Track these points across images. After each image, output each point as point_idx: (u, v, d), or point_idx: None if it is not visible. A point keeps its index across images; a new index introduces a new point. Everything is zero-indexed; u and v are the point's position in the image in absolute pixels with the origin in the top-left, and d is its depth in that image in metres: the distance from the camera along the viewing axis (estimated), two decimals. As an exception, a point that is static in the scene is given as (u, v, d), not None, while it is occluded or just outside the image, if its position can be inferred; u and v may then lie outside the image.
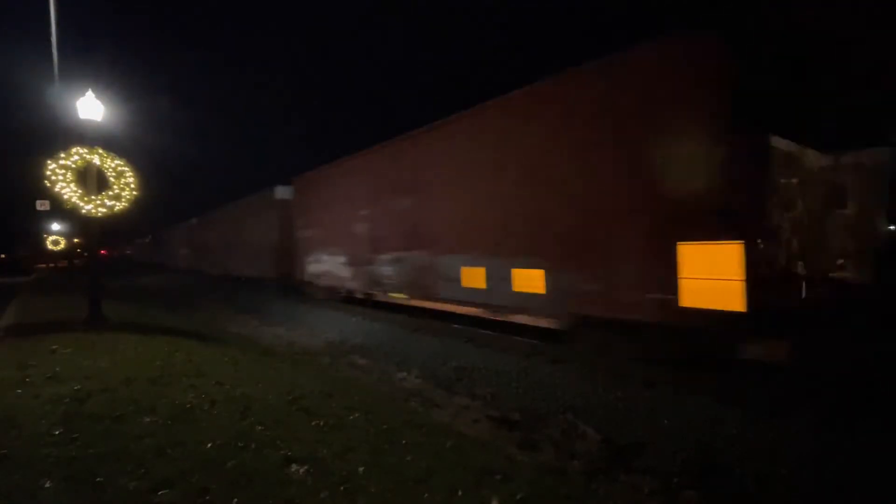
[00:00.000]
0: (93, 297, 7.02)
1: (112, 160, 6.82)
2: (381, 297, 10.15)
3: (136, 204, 7.08)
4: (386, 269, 9.33)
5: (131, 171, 6.95)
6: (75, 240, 26.09)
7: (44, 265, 31.08)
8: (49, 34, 9.40)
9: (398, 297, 9.41)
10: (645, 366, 5.21)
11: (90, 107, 6.68)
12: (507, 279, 6.58)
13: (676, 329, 4.75)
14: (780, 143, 4.90)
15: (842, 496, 2.95)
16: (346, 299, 11.46)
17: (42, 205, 17.56)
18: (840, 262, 5.34)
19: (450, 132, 7.66)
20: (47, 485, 2.36)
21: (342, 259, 10.94)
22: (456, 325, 8.11)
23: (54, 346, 5.25)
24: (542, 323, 6.43)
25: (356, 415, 3.71)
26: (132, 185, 6.95)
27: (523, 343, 6.72)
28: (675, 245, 4.64)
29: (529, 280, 6.27)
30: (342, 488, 2.50)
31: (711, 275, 4.37)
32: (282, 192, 14.31)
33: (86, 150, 6.64)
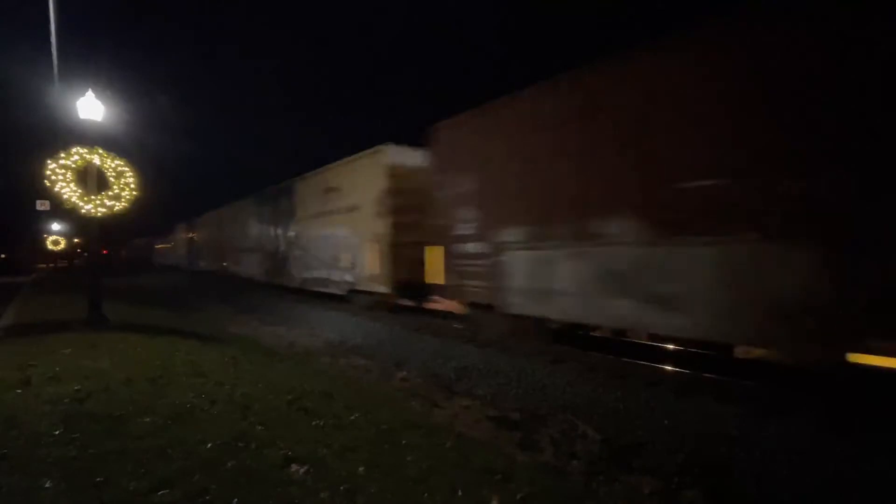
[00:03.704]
0: (93, 297, 7.02)
1: (112, 160, 6.83)
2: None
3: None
4: None
5: (131, 172, 6.96)
6: (75, 240, 26.11)
7: (44, 265, 31.11)
8: (49, 34, 9.41)
9: None
10: (645, 366, 5.21)
11: (90, 107, 6.68)
12: None
13: None
14: None
15: (841, 496, 2.95)
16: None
17: (42, 205, 17.61)
18: None
19: None
20: (47, 485, 2.36)
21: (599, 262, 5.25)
22: (456, 325, 8.11)
23: (54, 347, 5.25)
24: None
25: (356, 415, 3.71)
26: (132, 186, 6.96)
27: (523, 343, 6.71)
28: None
29: None
30: (342, 488, 2.50)
31: None
32: (396, 154, 9.24)
33: (86, 150, 6.65)
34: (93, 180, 6.78)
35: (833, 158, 3.69)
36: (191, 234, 29.05)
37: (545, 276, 5.87)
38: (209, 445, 2.88)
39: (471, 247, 6.90)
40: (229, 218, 20.10)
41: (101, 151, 6.75)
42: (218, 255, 21.69)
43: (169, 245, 37.84)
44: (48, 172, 6.42)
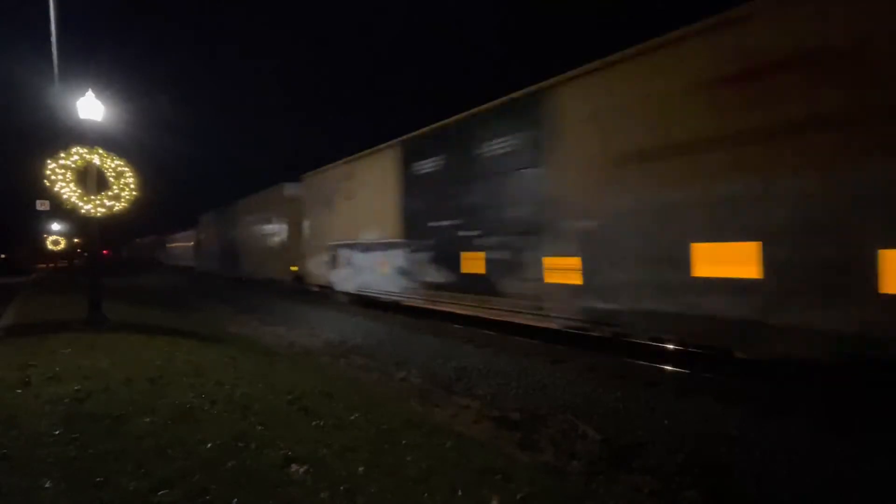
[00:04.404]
0: (93, 297, 7.02)
1: (112, 160, 6.83)
2: None
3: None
4: None
5: (131, 172, 6.96)
6: (75, 240, 26.09)
7: (44, 265, 31.10)
8: (49, 34, 9.40)
9: None
10: (644, 366, 5.21)
11: (90, 107, 6.67)
12: None
13: None
14: None
15: (841, 496, 2.95)
16: None
17: (42, 205, 17.61)
18: None
19: None
20: (47, 485, 2.36)
21: None
22: (456, 325, 8.11)
23: (54, 347, 5.25)
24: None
25: (356, 415, 3.71)
26: (132, 186, 6.95)
27: (523, 343, 6.72)
28: None
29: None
30: (342, 488, 2.50)
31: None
32: None
33: (86, 150, 6.64)
34: (92, 180, 6.78)
35: None
36: (225, 229, 20.49)
37: None
38: (209, 445, 2.88)
39: None
40: (329, 193, 11.26)
41: (101, 151, 6.75)
42: (285, 256, 13.86)
43: (189, 244, 30.03)
44: (48, 172, 6.42)
